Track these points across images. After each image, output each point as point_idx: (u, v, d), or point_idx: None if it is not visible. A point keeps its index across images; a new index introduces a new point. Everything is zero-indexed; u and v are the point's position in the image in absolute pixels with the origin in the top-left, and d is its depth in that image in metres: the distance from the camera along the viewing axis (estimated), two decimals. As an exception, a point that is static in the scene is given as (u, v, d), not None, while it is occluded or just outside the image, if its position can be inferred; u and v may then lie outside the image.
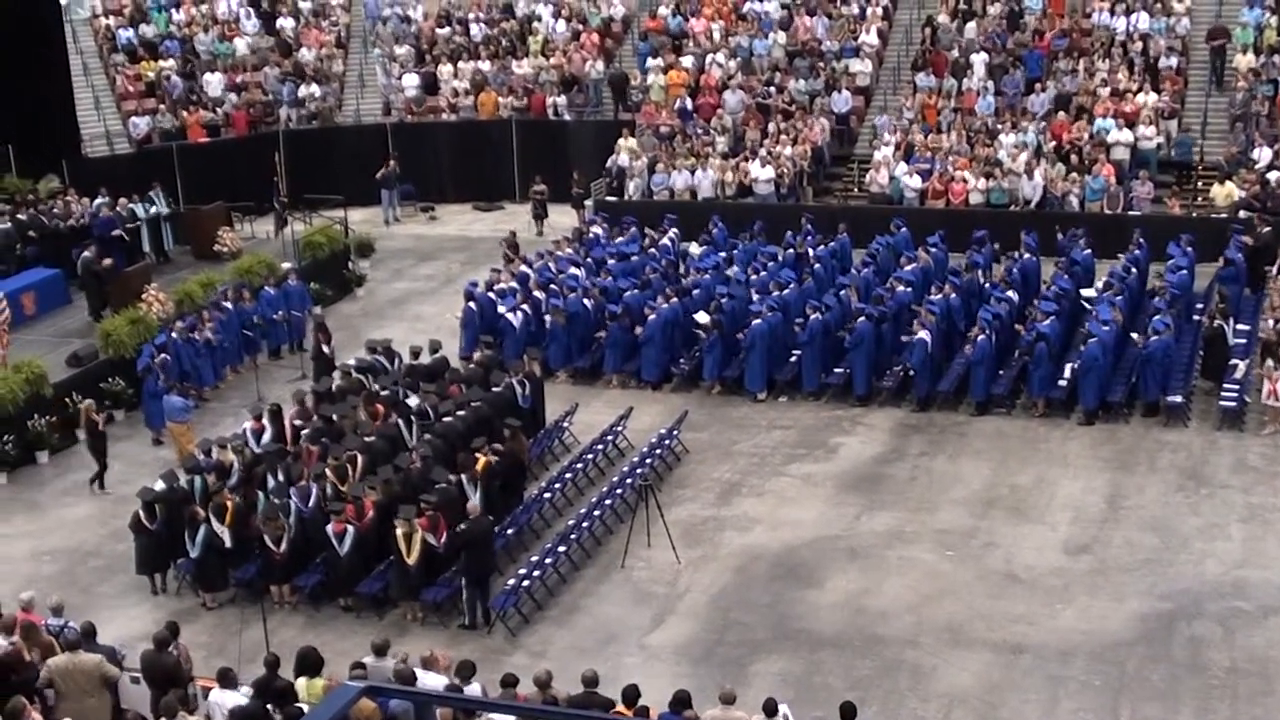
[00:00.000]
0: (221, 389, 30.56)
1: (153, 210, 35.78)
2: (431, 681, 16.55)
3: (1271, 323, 27.67)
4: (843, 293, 30.28)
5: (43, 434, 27.60)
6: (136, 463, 27.13)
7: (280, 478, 23.23)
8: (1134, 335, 27.99)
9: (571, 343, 30.30)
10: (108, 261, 32.15)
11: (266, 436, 25.36)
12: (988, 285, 30.89)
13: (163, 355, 28.38)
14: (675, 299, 30.08)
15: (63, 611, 18.87)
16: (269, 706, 15.97)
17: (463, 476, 22.93)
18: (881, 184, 38.19)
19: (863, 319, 28.54)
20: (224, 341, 30.81)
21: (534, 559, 22.12)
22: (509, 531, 23.09)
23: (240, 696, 16.35)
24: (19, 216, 34.73)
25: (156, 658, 17.53)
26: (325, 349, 30.20)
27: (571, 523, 23.14)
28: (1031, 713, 18.66)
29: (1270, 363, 26.45)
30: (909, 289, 30.28)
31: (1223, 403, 26.95)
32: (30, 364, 27.94)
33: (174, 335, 29.17)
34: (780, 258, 32.89)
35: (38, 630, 17.72)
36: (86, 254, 32.37)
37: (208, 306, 30.90)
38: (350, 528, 21.62)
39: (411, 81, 45.28)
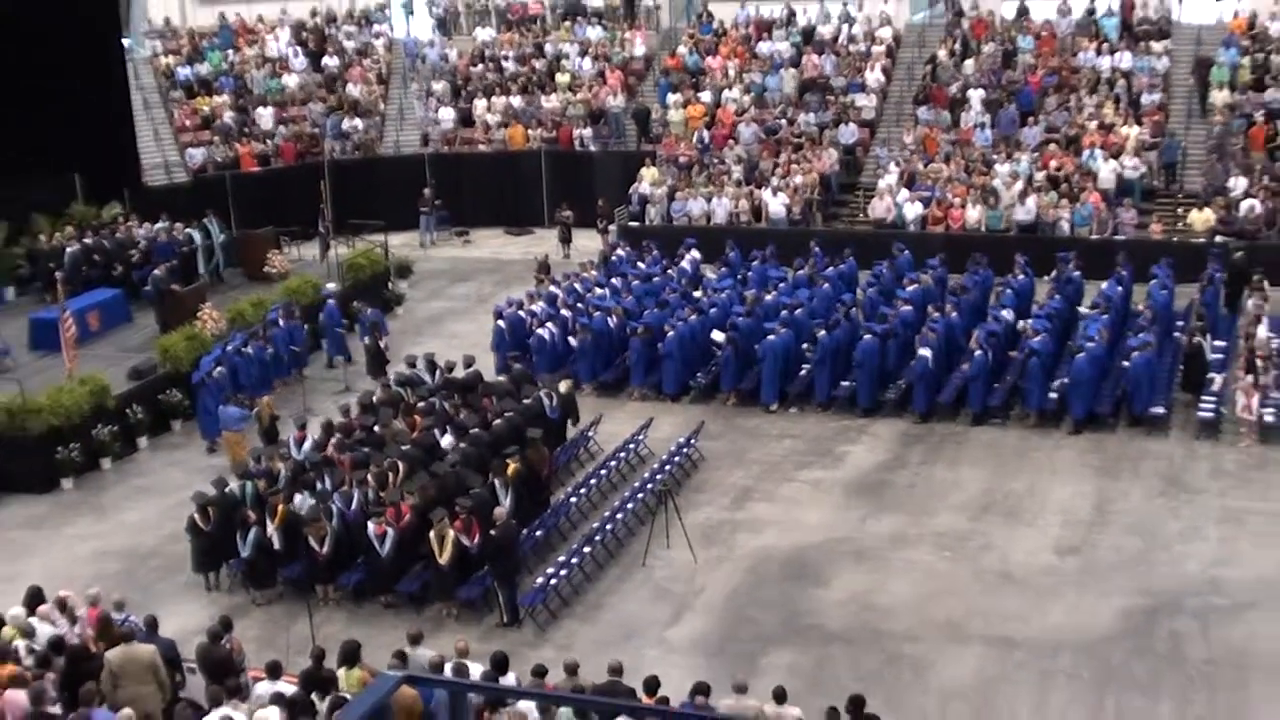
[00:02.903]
0: (272, 400, 30.67)
1: (209, 240, 36.02)
2: (474, 672, 16.64)
3: (1244, 340, 27.65)
4: (852, 311, 30.34)
5: (106, 442, 27.75)
6: (192, 469, 27.27)
7: (325, 484, 23.35)
8: (1124, 363, 27.91)
9: (597, 358, 30.37)
10: (175, 288, 32.47)
11: (307, 445, 25.49)
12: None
13: (219, 368, 28.57)
14: (694, 317, 30.16)
15: (124, 607, 19.01)
16: (313, 695, 16.06)
17: (495, 481, 23.03)
18: (885, 210, 38.19)
19: (868, 337, 28.60)
20: (284, 353, 31.15)
21: (561, 559, 22.20)
22: (538, 534, 23.17)
23: (283, 685, 16.44)
24: (85, 241, 35.01)
25: (210, 649, 17.66)
26: (381, 344, 30.62)
27: (596, 525, 23.21)
28: (1023, 703, 18.67)
29: (1248, 378, 26.48)
30: (911, 308, 30.32)
31: (1201, 414, 26.93)
32: (94, 377, 28.09)
33: (229, 350, 29.40)
34: (791, 279, 32.93)
35: (112, 625, 17.86)
36: (158, 273, 32.73)
37: (264, 324, 31.17)
38: (390, 530, 21.72)
39: (448, 115, 45.44)
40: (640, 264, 34.95)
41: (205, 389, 28.28)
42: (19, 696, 15.33)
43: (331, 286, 34.12)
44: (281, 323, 31.34)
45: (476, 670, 16.64)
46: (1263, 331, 28.05)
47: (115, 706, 15.49)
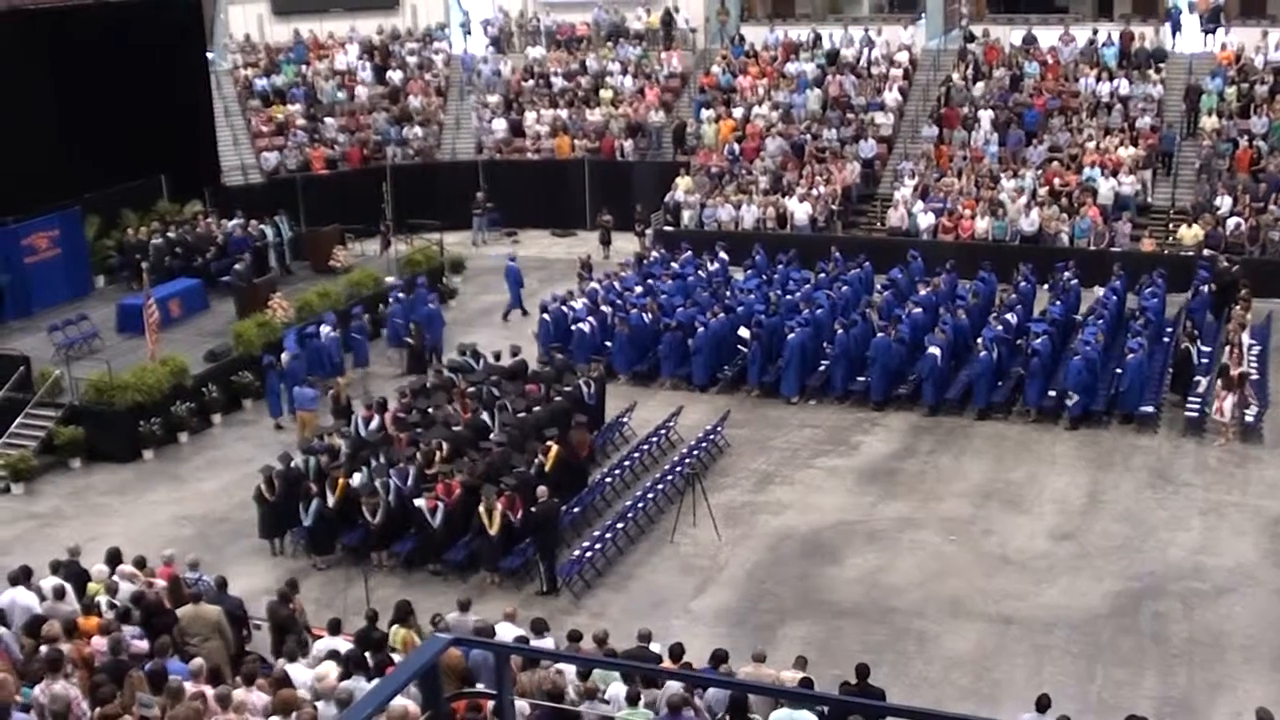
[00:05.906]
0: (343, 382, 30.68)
1: (279, 236, 36.26)
2: (509, 632, 16.62)
3: (1229, 349, 27.44)
4: (867, 311, 30.21)
5: (184, 418, 27.92)
6: (260, 443, 27.35)
7: (381, 460, 23.36)
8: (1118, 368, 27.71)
9: (632, 350, 30.30)
10: (257, 280, 32.65)
11: (373, 425, 25.54)
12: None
13: (293, 354, 28.67)
14: (722, 315, 30.06)
15: (198, 567, 19.09)
16: (366, 653, 16.07)
17: (534, 461, 23.01)
18: (900, 220, 38.02)
19: (880, 335, 28.46)
20: (400, 334, 31.59)
21: (596, 533, 22.19)
22: (575, 510, 23.14)
23: (341, 642, 16.45)
24: (168, 235, 35.22)
25: (276, 609, 17.72)
26: (424, 338, 30.98)
27: (628, 503, 23.20)
28: (1019, 675, 18.56)
29: (1220, 383, 26.25)
30: (922, 310, 30.16)
31: (1187, 413, 26.74)
32: (174, 359, 28.30)
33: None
34: (812, 282, 32.79)
35: (181, 585, 17.93)
36: (238, 267, 32.91)
37: (351, 311, 31.78)
38: (440, 504, 21.72)
39: (500, 125, 45.42)
40: (673, 265, 34.85)
41: (273, 371, 28.39)
42: (102, 645, 15.50)
43: (390, 281, 34.18)
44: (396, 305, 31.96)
45: (505, 631, 16.61)
46: (1245, 339, 27.85)
47: (188, 658, 15.59)
